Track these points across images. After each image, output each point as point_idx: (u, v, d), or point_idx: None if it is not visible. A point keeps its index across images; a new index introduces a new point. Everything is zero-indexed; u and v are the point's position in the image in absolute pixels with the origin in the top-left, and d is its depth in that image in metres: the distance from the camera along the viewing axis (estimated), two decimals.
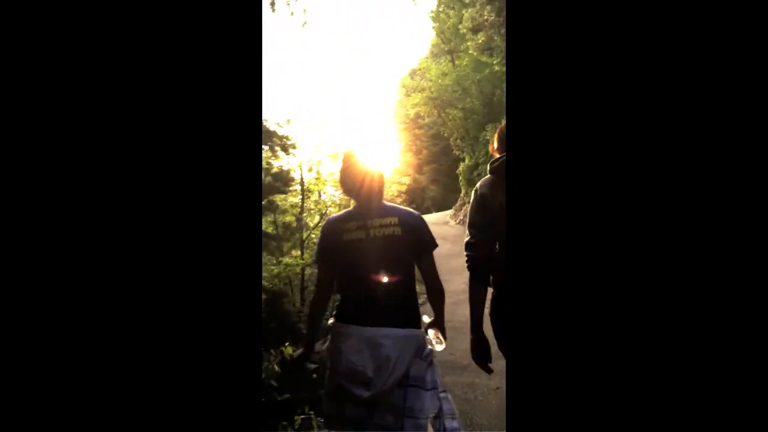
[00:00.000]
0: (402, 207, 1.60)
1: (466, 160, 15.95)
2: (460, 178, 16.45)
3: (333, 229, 1.53)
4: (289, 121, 5.55)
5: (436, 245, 1.56)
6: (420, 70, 18.30)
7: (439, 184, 22.47)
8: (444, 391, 1.45)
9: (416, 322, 1.49)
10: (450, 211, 16.85)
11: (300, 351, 1.62)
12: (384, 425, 1.35)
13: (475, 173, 14.56)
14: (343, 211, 1.60)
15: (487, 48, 12.76)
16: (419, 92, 16.56)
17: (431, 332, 1.51)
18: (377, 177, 1.55)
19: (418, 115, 20.33)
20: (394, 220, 1.49)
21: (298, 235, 5.09)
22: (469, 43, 13.65)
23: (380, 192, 1.56)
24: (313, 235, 5.32)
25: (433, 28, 16.73)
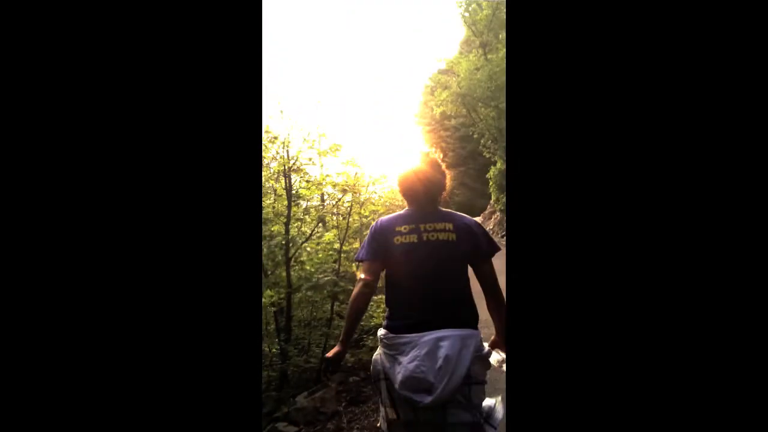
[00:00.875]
0: (459, 213, 1.55)
1: (498, 164, 14.57)
2: (491, 183, 15.09)
3: (384, 230, 1.48)
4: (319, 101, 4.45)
5: (496, 249, 1.50)
6: (449, 67, 16.94)
7: (466, 188, 21.08)
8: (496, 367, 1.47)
9: (473, 324, 1.43)
10: (478, 218, 15.46)
11: (336, 349, 1.44)
12: (460, 422, 1.33)
13: None
14: (396, 213, 1.56)
15: None
16: (446, 89, 15.24)
17: (495, 354, 1.48)
18: (436, 181, 1.52)
19: (444, 116, 19.02)
20: (449, 225, 1.45)
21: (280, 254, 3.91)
22: (503, 35, 12.29)
23: (437, 197, 1.53)
24: (309, 249, 3.96)
25: (464, 20, 15.40)
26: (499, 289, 1.46)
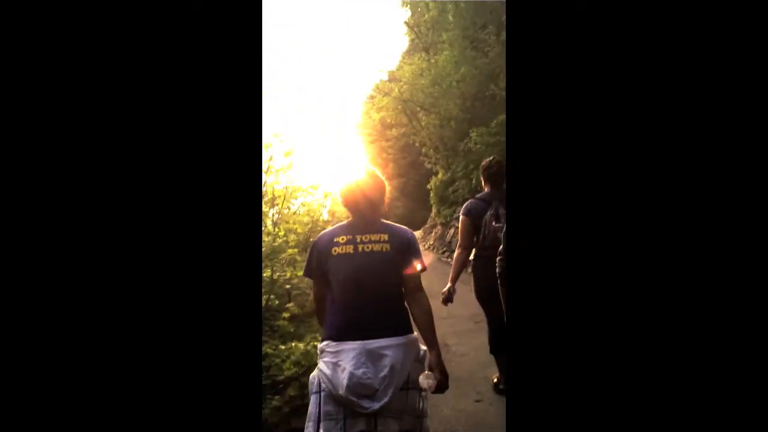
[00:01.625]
0: (397, 225, 1.58)
1: (440, 174, 13.70)
2: (431, 194, 14.17)
3: (323, 242, 1.53)
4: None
5: (423, 269, 1.54)
6: (391, 77, 15.96)
7: (406, 199, 20.12)
8: (424, 390, 1.47)
9: (410, 328, 1.47)
10: (418, 233, 14.42)
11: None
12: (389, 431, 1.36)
13: (451, 189, 12.28)
14: (337, 225, 1.61)
15: (473, 39, 10.63)
16: (386, 95, 14.22)
17: (423, 379, 1.43)
18: (375, 192, 1.56)
19: (385, 125, 18.05)
20: (385, 236, 1.50)
21: None
22: (449, 33, 11.49)
23: (377, 208, 1.56)
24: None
25: (406, 22, 14.58)
26: (427, 300, 1.51)
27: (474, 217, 2.47)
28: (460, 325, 4.29)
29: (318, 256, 1.50)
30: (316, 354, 1.48)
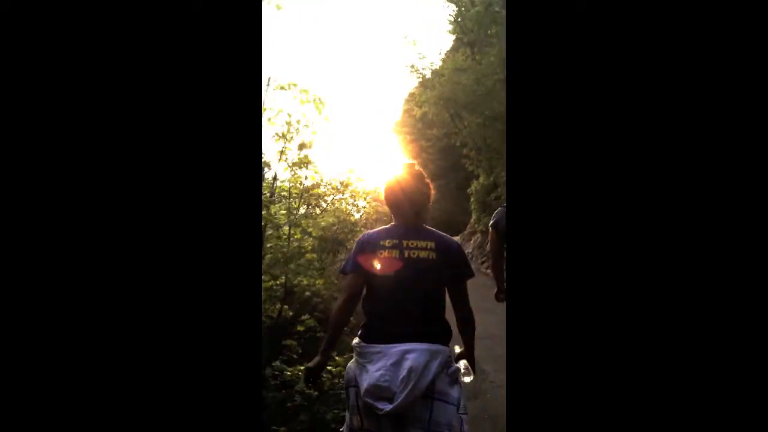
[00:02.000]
0: (441, 233, 1.57)
1: (481, 178, 12.91)
2: (472, 199, 13.40)
3: (369, 243, 1.52)
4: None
5: (471, 275, 1.55)
6: (433, 75, 15.21)
7: (446, 202, 19.31)
8: (465, 414, 1.40)
9: (444, 341, 1.45)
10: (456, 238, 13.67)
11: (318, 359, 1.47)
12: None
13: (493, 195, 11.48)
14: (382, 227, 1.60)
15: None
16: (428, 89, 13.53)
17: (462, 363, 1.55)
18: (422, 198, 1.55)
19: (425, 124, 17.33)
20: (431, 244, 1.48)
21: None
22: (496, 30, 10.69)
23: (422, 213, 1.56)
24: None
25: (450, 19, 13.81)
26: (470, 309, 1.55)
27: (503, 228, 2.34)
28: (500, 348, 3.78)
29: (362, 254, 1.49)
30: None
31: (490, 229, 2.46)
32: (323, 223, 4.17)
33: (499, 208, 2.48)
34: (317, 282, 3.99)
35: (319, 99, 3.69)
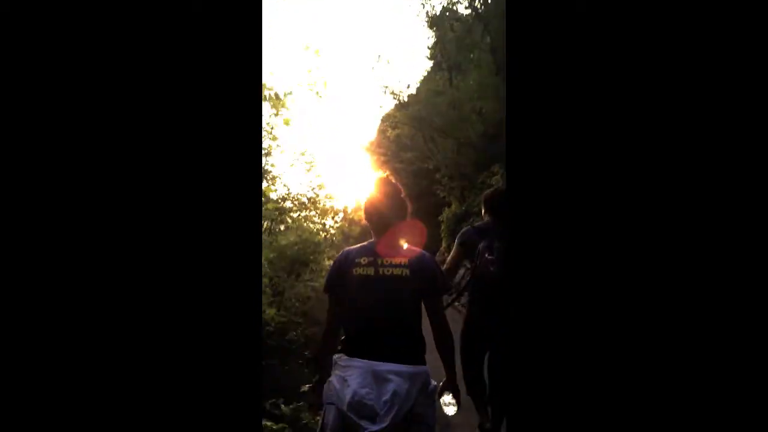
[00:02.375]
0: (417, 249, 1.56)
1: (453, 206, 12.45)
2: (443, 227, 12.90)
3: (346, 261, 1.53)
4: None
5: (446, 290, 1.57)
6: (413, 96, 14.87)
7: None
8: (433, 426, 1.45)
9: (421, 359, 1.45)
10: None
11: (319, 377, 1.53)
12: None
13: (464, 225, 11.00)
14: (359, 244, 1.60)
15: (501, 67, 9.52)
16: (403, 109, 13.12)
17: (445, 397, 1.52)
18: (396, 212, 1.56)
19: (399, 146, 16.93)
20: (404, 261, 1.49)
21: None
22: (476, 55, 10.39)
23: (398, 230, 1.56)
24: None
25: (430, 45, 13.52)
26: (447, 324, 1.51)
27: (468, 248, 2.39)
28: None
29: (339, 272, 1.51)
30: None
31: (457, 245, 2.47)
32: (283, 242, 3.56)
33: (465, 228, 2.55)
34: (268, 311, 3.31)
35: (276, 95, 3.10)
